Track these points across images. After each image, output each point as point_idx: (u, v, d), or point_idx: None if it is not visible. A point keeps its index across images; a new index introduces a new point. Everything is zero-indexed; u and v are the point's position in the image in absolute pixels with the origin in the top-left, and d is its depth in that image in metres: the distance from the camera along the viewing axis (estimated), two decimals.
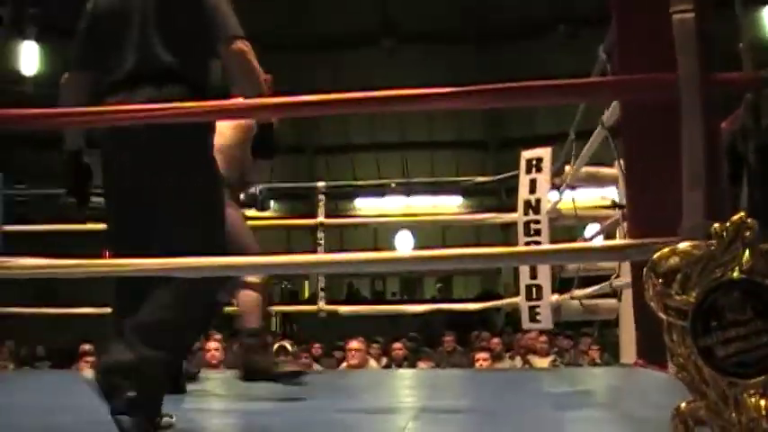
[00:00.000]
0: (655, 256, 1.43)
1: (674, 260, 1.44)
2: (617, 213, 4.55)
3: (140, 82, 2.28)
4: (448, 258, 2.24)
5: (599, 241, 5.16)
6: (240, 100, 2.44)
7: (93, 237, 4.94)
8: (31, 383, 4.48)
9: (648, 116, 2.02)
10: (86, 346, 7.17)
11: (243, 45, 2.33)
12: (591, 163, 4.97)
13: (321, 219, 6.24)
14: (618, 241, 2.64)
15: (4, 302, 6.05)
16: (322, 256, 2.75)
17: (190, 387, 3.67)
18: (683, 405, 1.44)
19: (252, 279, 3.53)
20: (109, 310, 2.47)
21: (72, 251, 2.56)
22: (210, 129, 2.42)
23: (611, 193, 5.41)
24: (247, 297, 3.59)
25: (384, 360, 7.82)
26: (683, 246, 1.44)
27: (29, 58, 18.37)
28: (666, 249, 1.45)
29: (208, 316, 3.48)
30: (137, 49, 2.31)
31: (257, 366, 3.51)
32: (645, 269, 1.42)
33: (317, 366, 7.25)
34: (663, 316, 1.44)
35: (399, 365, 7.46)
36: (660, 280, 1.44)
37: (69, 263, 2.04)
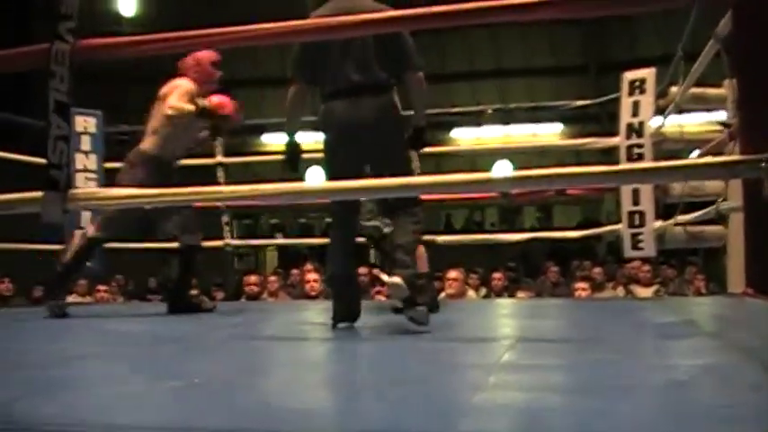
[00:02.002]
0: None
1: None
2: (723, 134, 4.33)
3: (363, 91, 3.28)
4: (546, 178, 2.15)
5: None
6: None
7: (190, 171, 5.02)
8: (137, 313, 4.66)
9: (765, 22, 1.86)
10: None
11: (421, 75, 3.37)
12: (697, 84, 4.73)
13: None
14: (728, 157, 2.47)
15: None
16: (420, 179, 2.69)
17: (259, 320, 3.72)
18: None
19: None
20: None
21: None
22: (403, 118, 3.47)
23: (719, 117, 5.15)
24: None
25: (483, 290, 7.78)
26: None
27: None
28: None
29: None
30: (360, 68, 3.28)
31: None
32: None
33: None
34: None
35: (498, 295, 7.41)
36: None
37: (158, 191, 2.06)
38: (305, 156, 3.63)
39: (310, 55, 3.36)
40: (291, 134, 3.56)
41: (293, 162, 3.57)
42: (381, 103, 3.34)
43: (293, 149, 3.58)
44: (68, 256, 4.72)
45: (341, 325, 3.46)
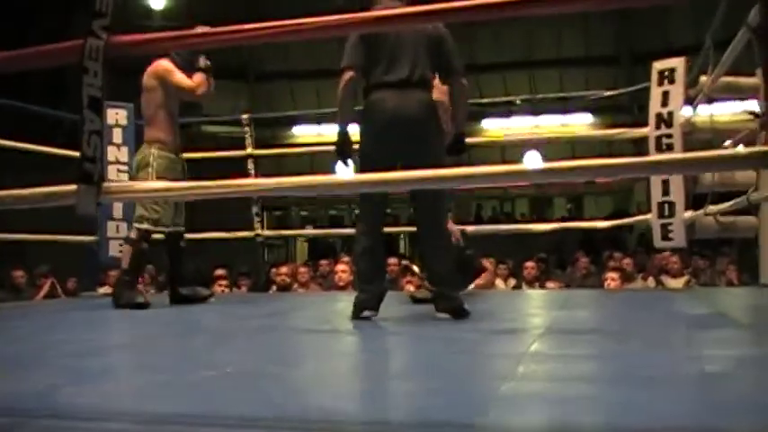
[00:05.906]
0: None
1: None
2: (755, 124, 4.28)
3: (410, 86, 3.48)
4: (575, 169, 2.15)
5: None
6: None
7: (222, 163, 5.06)
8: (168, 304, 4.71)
9: None
10: (220, 271, 7.44)
11: (464, 80, 3.65)
12: (729, 73, 4.68)
13: None
14: (758, 147, 2.45)
15: None
16: (453, 171, 2.69)
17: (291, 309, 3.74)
18: None
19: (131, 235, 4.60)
20: None
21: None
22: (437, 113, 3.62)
23: (752, 106, 5.08)
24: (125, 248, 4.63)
25: (512, 281, 7.76)
26: None
27: None
28: None
29: None
30: (411, 65, 3.48)
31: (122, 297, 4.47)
32: None
33: None
34: None
35: (529, 285, 7.39)
36: None
37: (187, 185, 2.09)
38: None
39: (366, 46, 3.48)
40: (343, 125, 3.56)
41: (344, 153, 3.54)
42: (427, 99, 3.51)
43: (344, 140, 3.54)
44: None
45: (365, 313, 3.47)
